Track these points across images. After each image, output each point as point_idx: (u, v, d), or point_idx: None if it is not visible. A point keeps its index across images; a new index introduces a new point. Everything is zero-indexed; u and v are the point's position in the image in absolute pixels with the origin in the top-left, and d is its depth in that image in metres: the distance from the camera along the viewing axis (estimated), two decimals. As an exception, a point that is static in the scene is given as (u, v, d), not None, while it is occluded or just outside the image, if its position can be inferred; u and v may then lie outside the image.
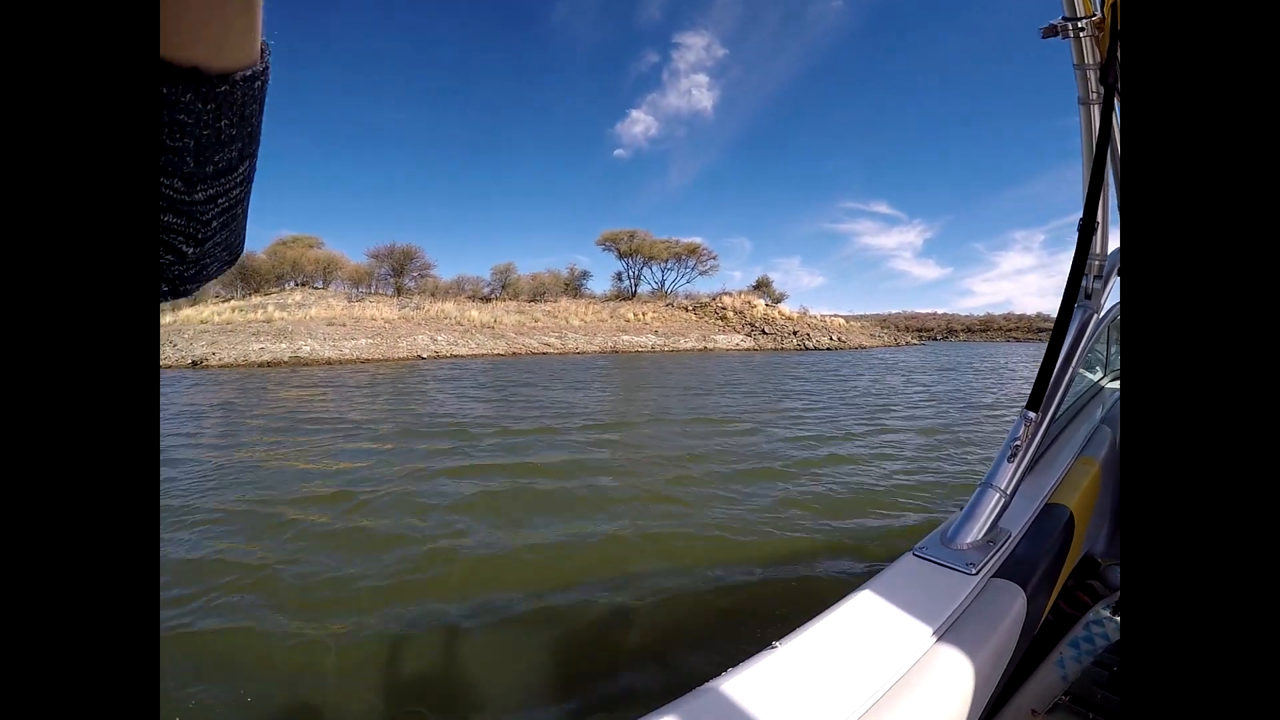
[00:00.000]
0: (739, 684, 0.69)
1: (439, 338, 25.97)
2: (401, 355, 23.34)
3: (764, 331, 35.35)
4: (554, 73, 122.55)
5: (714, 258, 45.97)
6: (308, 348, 22.62)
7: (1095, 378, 2.60)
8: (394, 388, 12.85)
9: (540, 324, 31.08)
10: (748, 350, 31.34)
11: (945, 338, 68.41)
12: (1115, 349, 3.02)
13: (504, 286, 37.84)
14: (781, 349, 32.69)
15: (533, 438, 6.84)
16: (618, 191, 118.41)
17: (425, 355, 23.71)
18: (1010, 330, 70.28)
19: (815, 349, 33.62)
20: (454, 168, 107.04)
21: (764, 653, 0.75)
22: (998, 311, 77.92)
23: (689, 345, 30.67)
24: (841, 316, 48.34)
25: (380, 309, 29.25)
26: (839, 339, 37.37)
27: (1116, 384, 2.78)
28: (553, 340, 27.82)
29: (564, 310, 34.67)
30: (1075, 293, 1.20)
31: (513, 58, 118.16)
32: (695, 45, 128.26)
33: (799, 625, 0.81)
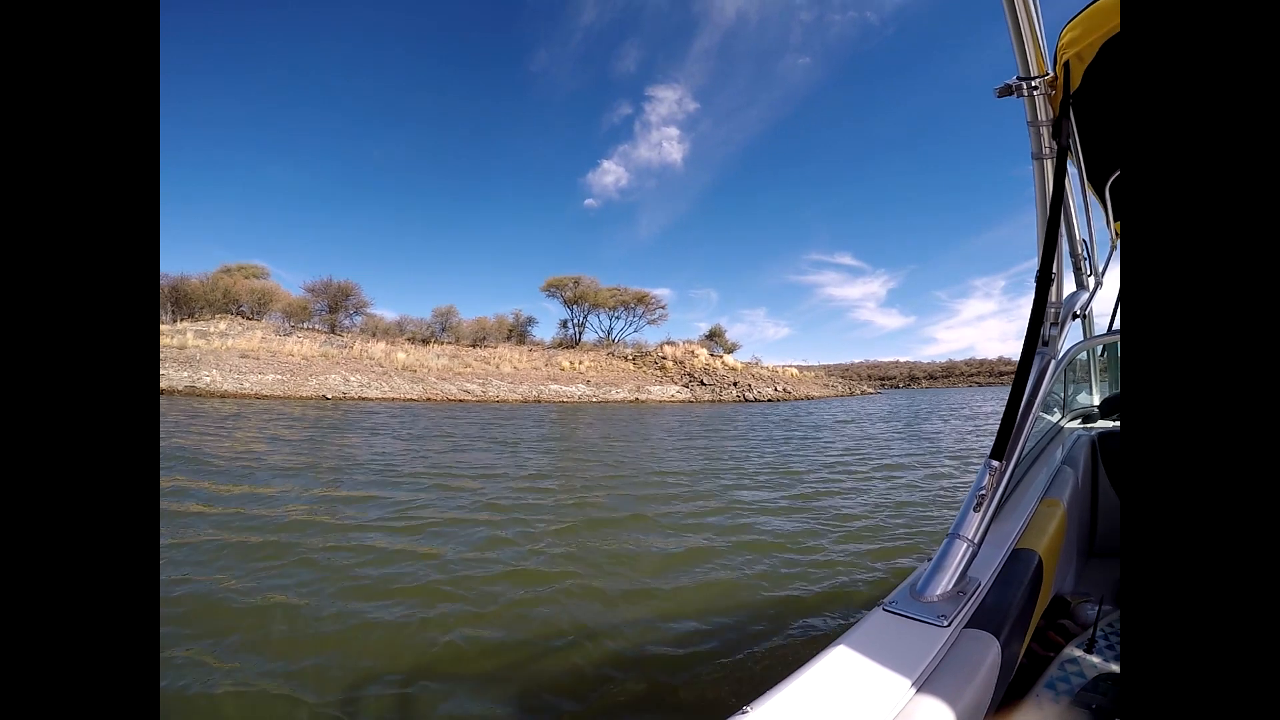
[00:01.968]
0: None
1: (352, 378, 25.19)
2: (307, 394, 22.51)
3: (702, 383, 34.75)
4: (529, 120, 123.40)
5: (662, 307, 45.66)
6: (209, 378, 21.77)
7: (1054, 419, 2.61)
8: (212, 422, 12.08)
9: (471, 369, 30.37)
10: (683, 402, 30.72)
11: (908, 385, 68.46)
12: (1073, 389, 3.14)
13: (444, 329, 37.21)
14: (720, 400, 32.07)
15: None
16: (587, 240, 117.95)
17: (331, 395, 22.89)
18: (972, 375, 70.62)
19: (756, 400, 33.07)
20: (420, 207, 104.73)
21: (734, 718, 0.73)
22: (960, 357, 78.39)
23: (621, 396, 30.01)
24: (795, 367, 48.14)
25: (303, 345, 28.45)
26: (785, 390, 36.91)
27: (1075, 424, 2.80)
28: (474, 387, 27.10)
29: (498, 356, 33.99)
30: (1035, 341, 1.22)
31: (489, 102, 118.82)
32: (667, 98, 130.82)
33: (770, 687, 0.79)
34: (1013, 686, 1.20)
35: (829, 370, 61.40)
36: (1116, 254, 2.74)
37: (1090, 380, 3.58)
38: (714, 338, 46.97)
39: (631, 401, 29.33)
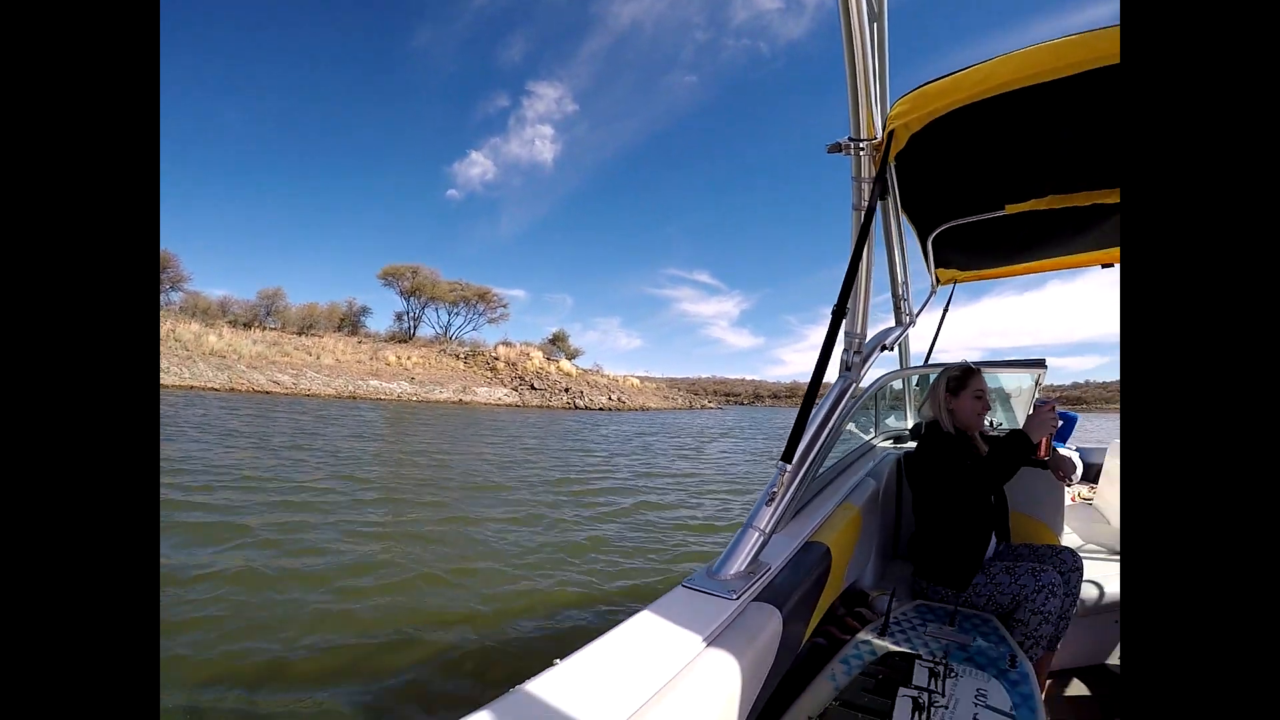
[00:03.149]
0: (520, 699, 0.75)
1: (148, 365, 24.21)
2: (91, 380, 21.47)
3: (533, 386, 35.79)
4: (401, 99, 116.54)
5: (504, 305, 45.92)
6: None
7: (868, 437, 3.03)
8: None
9: (289, 359, 29.68)
10: (510, 405, 31.69)
11: (751, 402, 73.62)
12: (884, 413, 3.54)
13: (269, 313, 35.96)
14: (549, 406, 33.31)
15: None
16: (444, 232, 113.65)
17: (119, 383, 21.98)
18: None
19: (588, 408, 34.47)
20: (266, 177, 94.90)
21: (545, 671, 0.81)
22: (804, 379, 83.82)
23: (445, 396, 30.62)
24: (638, 377, 50.43)
25: (100, 324, 26.81)
26: (619, 399, 38.71)
27: (887, 443, 3.19)
28: (285, 379, 26.73)
29: (321, 346, 33.31)
30: (825, 365, 1.38)
31: (361, 73, 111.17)
32: (548, 96, 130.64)
33: (578, 647, 0.89)
34: (813, 662, 1.42)
35: (675, 383, 64.75)
36: (935, 297, 3.09)
37: (905, 406, 3.96)
38: (557, 342, 47.90)
39: (455, 402, 29.96)
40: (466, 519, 6.11)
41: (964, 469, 1.95)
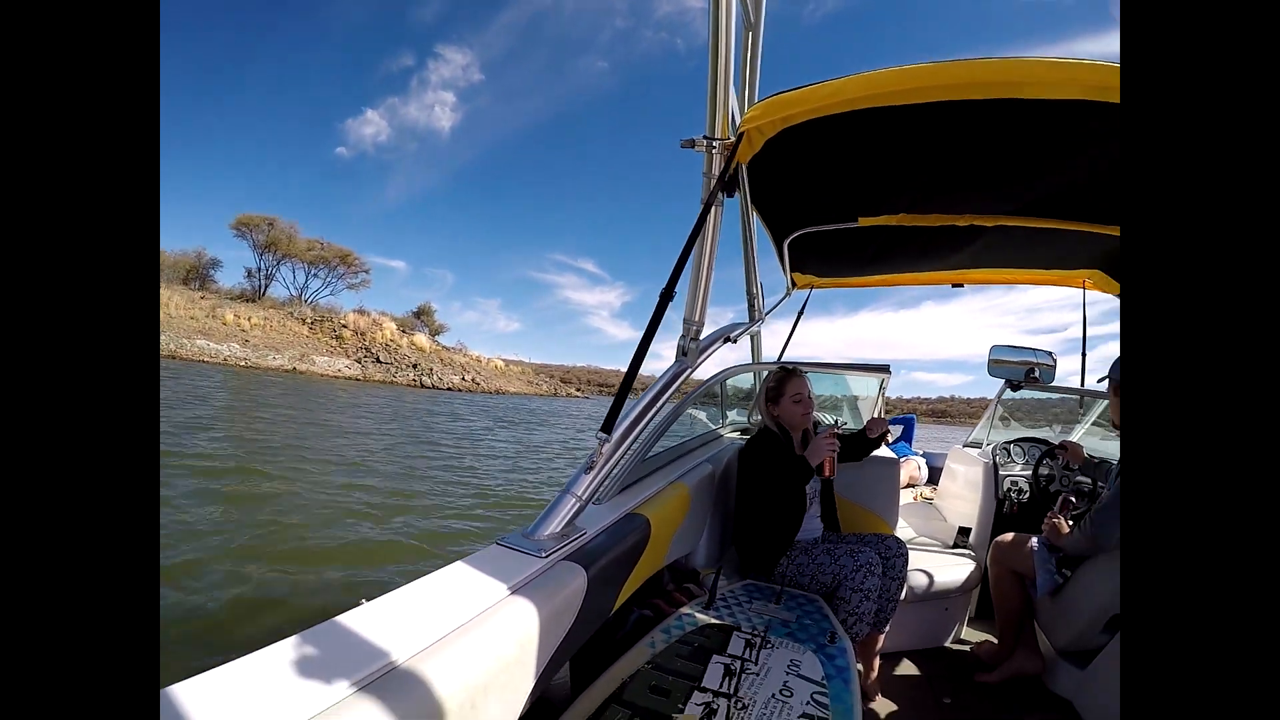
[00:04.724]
0: (327, 630, 0.78)
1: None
2: None
3: (378, 359, 35.37)
4: (302, 41, 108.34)
5: (366, 270, 44.35)
6: None
7: (714, 427, 3.19)
8: None
9: (112, 309, 28.37)
10: (351, 379, 31.67)
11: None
12: (733, 404, 3.62)
13: (101, 260, 33.81)
14: (393, 382, 33.32)
15: None
16: (328, 191, 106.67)
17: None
18: (687, 391, 79.05)
19: (435, 387, 34.56)
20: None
21: (354, 608, 0.84)
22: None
23: (279, 363, 30.22)
24: (504, 359, 50.95)
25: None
26: (474, 381, 39.03)
27: (734, 434, 3.25)
28: (98, 330, 25.70)
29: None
30: (648, 343, 1.38)
31: (263, 12, 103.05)
32: (455, 61, 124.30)
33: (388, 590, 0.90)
34: (639, 633, 1.52)
35: (547, 369, 65.64)
36: (791, 300, 3.09)
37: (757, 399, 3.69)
38: (422, 316, 46.87)
39: (289, 371, 29.55)
40: None
41: (778, 468, 2.08)
